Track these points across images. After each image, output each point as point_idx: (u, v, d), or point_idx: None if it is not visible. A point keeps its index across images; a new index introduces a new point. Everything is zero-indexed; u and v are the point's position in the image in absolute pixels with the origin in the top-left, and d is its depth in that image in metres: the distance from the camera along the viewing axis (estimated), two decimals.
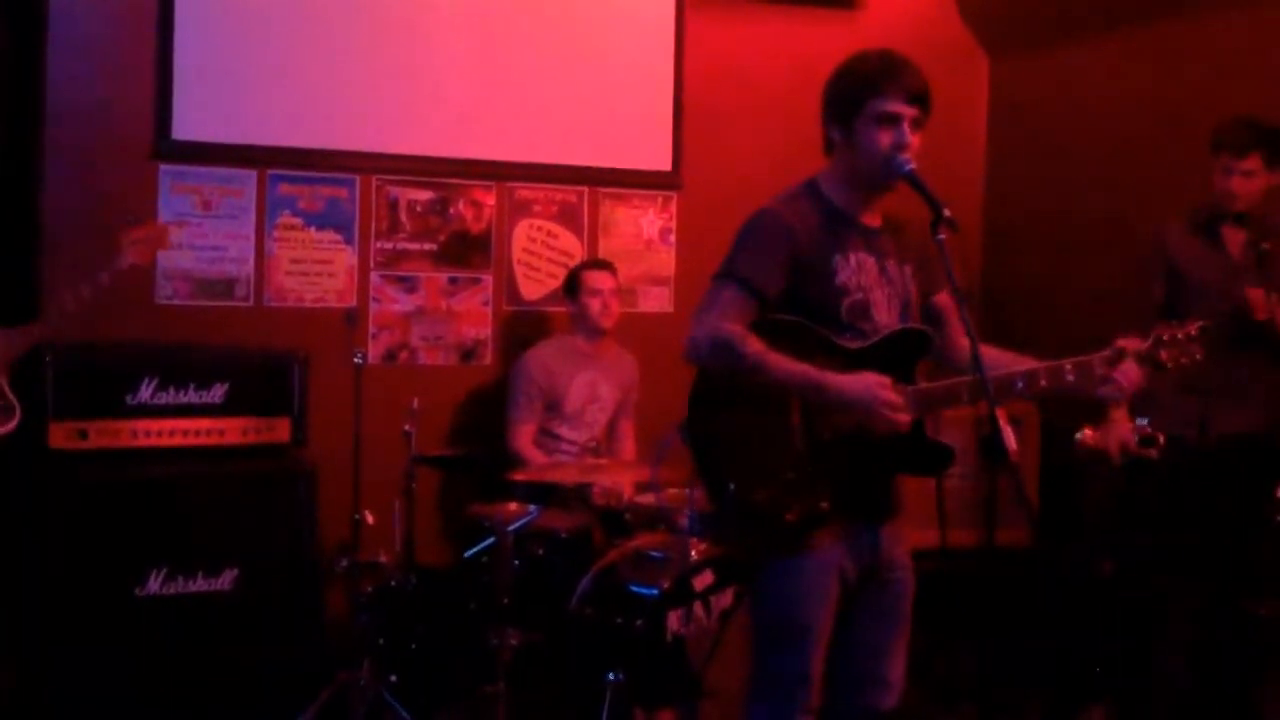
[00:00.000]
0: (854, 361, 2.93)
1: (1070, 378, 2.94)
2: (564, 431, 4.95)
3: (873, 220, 3.07)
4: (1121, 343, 2.98)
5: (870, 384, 2.85)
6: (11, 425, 3.39)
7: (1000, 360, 3.01)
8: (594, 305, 4.92)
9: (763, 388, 2.91)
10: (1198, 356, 3.00)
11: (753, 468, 2.95)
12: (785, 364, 2.87)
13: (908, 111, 2.93)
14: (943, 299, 3.18)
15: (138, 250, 3.84)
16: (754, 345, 2.88)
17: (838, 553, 2.97)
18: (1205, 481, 4.26)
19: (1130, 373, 2.95)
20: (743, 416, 2.96)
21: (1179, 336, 2.99)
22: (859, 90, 2.96)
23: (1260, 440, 4.28)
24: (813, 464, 2.93)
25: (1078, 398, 3.16)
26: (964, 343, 3.12)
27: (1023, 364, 2.99)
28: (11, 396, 3.38)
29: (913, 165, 2.91)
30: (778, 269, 2.94)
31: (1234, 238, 4.27)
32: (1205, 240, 4.29)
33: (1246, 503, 4.28)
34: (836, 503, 2.94)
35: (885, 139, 2.92)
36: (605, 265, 5.06)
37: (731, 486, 2.97)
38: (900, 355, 2.97)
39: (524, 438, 4.88)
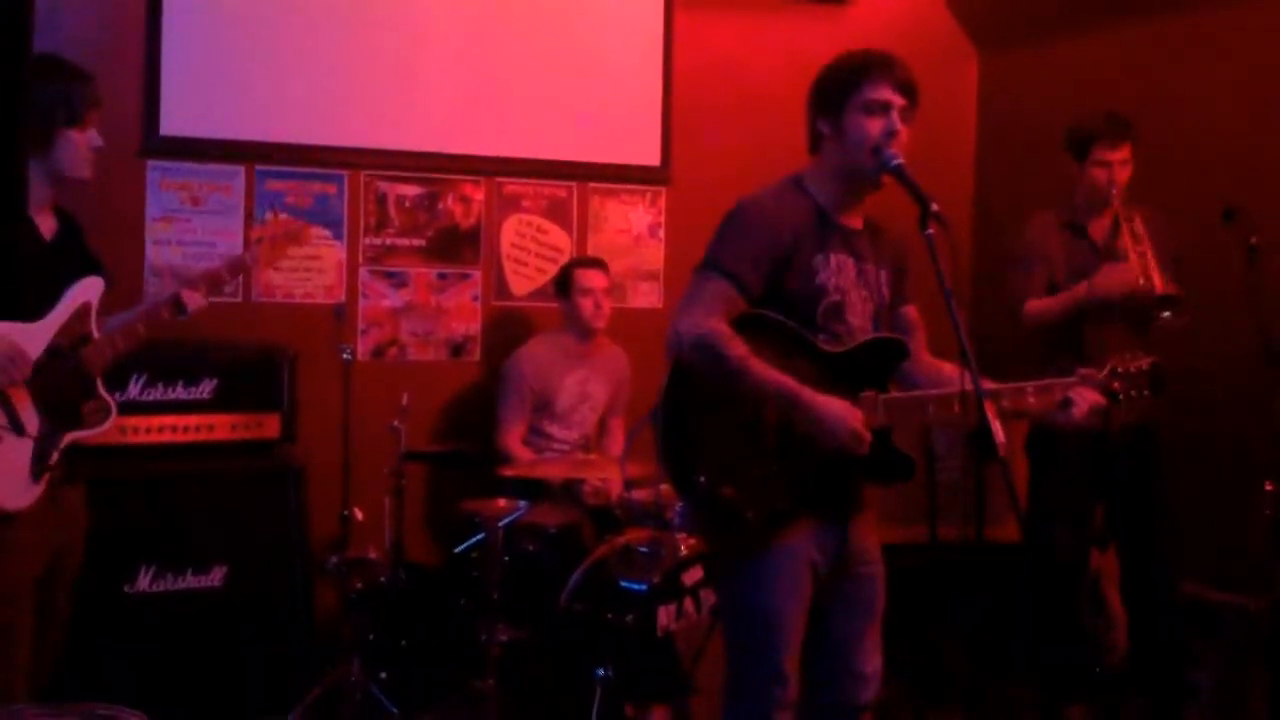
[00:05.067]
0: (832, 365, 2.95)
1: (1031, 399, 3.03)
2: (555, 430, 4.94)
3: (854, 222, 3.08)
4: (1084, 372, 3.08)
5: (845, 411, 2.88)
6: (107, 425, 3.39)
7: (950, 375, 3.05)
8: (586, 305, 4.90)
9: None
10: (1145, 393, 3.10)
11: (721, 462, 2.94)
12: (766, 372, 2.88)
13: (896, 100, 2.94)
14: (910, 311, 3.20)
15: (267, 248, 3.75)
16: (738, 349, 2.88)
17: (806, 547, 2.97)
18: (1108, 469, 4.30)
19: (1089, 397, 3.04)
20: (717, 410, 2.94)
21: (1130, 370, 3.08)
22: (849, 79, 2.98)
23: (1149, 429, 4.36)
24: (779, 462, 2.94)
25: (1036, 419, 3.23)
26: (923, 357, 3.19)
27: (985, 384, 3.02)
28: (107, 397, 3.38)
29: (901, 160, 2.91)
30: (762, 263, 2.94)
31: (1099, 228, 4.36)
32: (1075, 235, 4.38)
33: (1146, 489, 4.37)
34: (800, 501, 2.95)
35: (875, 127, 2.93)
36: (597, 263, 5.02)
37: (700, 479, 2.96)
38: (876, 362, 2.99)
39: (514, 437, 4.87)
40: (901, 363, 3.04)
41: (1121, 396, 3.08)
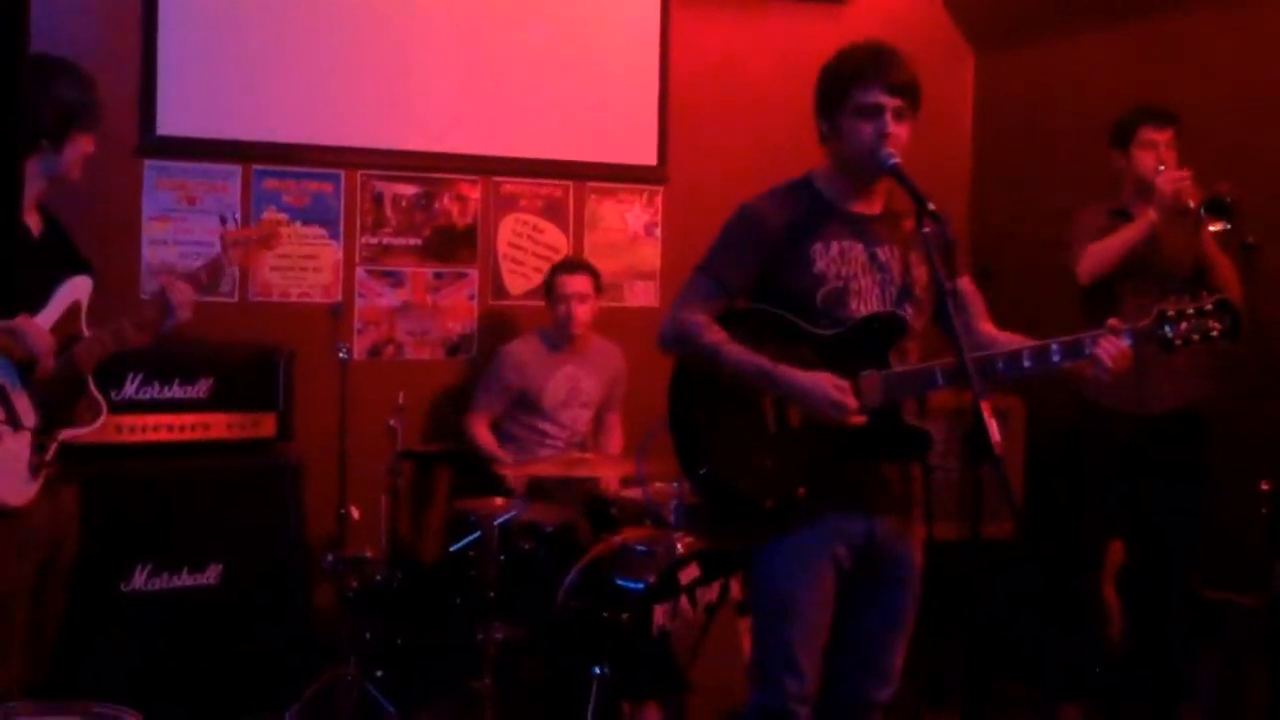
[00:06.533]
0: (825, 348, 2.95)
1: (1055, 358, 2.88)
2: (548, 428, 4.93)
3: (868, 208, 3.07)
4: (1113, 322, 2.92)
5: (822, 382, 2.88)
6: (98, 423, 3.40)
7: (1007, 343, 2.99)
8: (560, 312, 4.89)
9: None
10: (1214, 334, 2.85)
11: (731, 456, 2.99)
12: (740, 355, 2.93)
13: (889, 102, 2.94)
14: (963, 284, 3.10)
15: (241, 252, 3.74)
16: (713, 335, 2.95)
17: (828, 539, 2.97)
18: (1146, 456, 4.28)
19: (1117, 347, 2.84)
20: (718, 405, 3.00)
21: (1189, 311, 2.86)
22: (841, 83, 2.99)
23: (1192, 415, 4.32)
24: (788, 450, 2.95)
25: (1061, 380, 3.12)
26: (985, 327, 3.10)
27: (1012, 338, 2.99)
28: (98, 395, 3.39)
29: (897, 159, 2.92)
30: (746, 262, 3.00)
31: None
32: (1123, 220, 4.32)
33: (1183, 480, 4.32)
34: (815, 489, 2.95)
35: (867, 130, 2.94)
36: (579, 268, 4.97)
37: (705, 472, 3.02)
38: (873, 340, 2.97)
39: (479, 424, 4.89)
40: (899, 339, 2.97)
41: (1178, 342, 2.85)
